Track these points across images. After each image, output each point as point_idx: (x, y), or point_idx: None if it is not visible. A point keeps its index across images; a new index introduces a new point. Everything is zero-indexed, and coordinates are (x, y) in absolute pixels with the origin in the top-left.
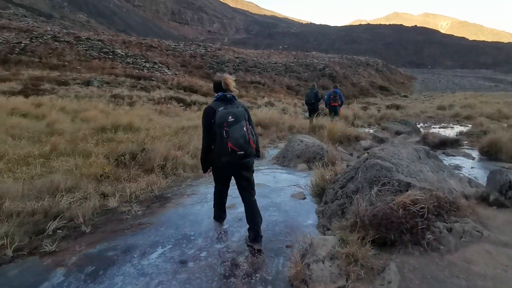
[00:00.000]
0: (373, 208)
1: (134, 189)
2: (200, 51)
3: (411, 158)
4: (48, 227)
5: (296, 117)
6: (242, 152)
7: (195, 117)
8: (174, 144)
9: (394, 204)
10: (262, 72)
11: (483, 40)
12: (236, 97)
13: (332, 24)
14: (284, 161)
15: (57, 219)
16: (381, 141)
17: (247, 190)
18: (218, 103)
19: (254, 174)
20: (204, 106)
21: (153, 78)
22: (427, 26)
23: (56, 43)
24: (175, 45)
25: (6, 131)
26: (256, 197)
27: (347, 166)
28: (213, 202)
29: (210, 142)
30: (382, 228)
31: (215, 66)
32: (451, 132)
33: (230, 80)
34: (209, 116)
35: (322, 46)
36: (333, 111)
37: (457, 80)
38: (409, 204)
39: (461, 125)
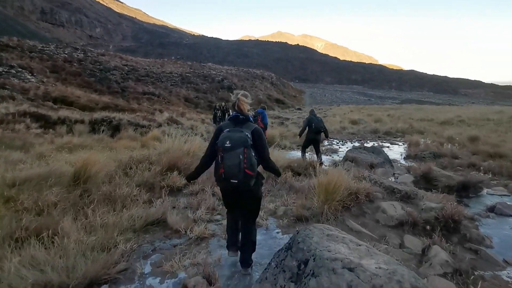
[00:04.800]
0: None
1: None
2: (78, 55)
3: None
4: None
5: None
6: (235, 181)
7: (53, 150)
8: None
9: None
10: (156, 82)
11: (351, 60)
12: (251, 119)
13: (223, 38)
14: None
15: None
16: (408, 197)
17: (245, 218)
18: (228, 123)
19: None
20: (79, 125)
21: (6, 86)
22: (307, 46)
23: None
24: (42, 47)
25: None
26: None
27: None
28: None
29: (209, 159)
30: None
31: (98, 74)
32: (391, 152)
33: (244, 104)
34: (216, 134)
35: (216, 58)
36: None
37: (338, 94)
38: None
39: (392, 143)
